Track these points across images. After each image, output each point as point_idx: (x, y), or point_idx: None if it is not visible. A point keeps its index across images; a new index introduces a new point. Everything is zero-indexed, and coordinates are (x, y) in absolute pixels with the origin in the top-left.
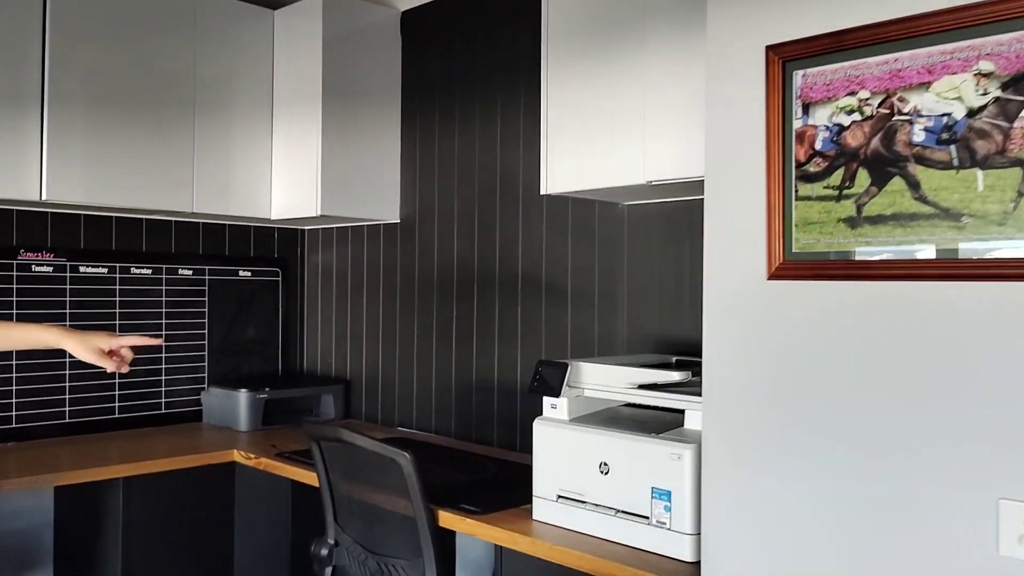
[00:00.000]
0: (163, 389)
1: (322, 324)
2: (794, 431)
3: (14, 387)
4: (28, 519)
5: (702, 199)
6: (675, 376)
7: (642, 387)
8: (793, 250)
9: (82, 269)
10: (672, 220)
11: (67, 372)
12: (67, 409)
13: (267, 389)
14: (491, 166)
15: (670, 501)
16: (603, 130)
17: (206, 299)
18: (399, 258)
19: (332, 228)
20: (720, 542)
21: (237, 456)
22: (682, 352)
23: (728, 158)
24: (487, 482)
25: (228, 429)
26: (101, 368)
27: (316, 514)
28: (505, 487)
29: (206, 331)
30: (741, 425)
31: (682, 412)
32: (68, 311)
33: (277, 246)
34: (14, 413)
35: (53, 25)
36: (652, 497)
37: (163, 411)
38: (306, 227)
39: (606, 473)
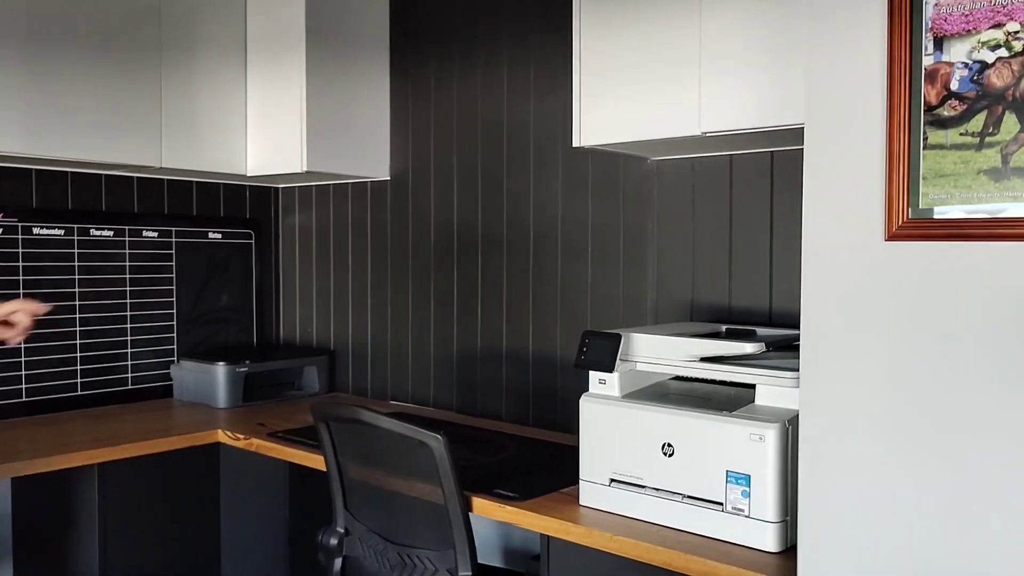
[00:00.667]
0: (129, 363)
1: (301, 291)
2: (911, 409)
3: None
4: None
5: (748, 153)
6: (748, 348)
7: (705, 360)
8: (920, 207)
9: (35, 231)
10: (710, 176)
11: (23, 346)
12: (23, 387)
13: (247, 362)
14: (496, 119)
15: (749, 486)
16: (649, 77)
17: (173, 264)
18: (390, 218)
19: (311, 187)
20: (821, 529)
21: (222, 437)
22: (723, 320)
23: (836, 102)
24: (511, 463)
25: (204, 406)
26: (61, 342)
27: (317, 500)
28: (535, 469)
29: (174, 299)
30: (847, 402)
31: (751, 387)
32: (21, 277)
33: (249, 206)
34: None
35: None
36: (727, 482)
37: (129, 387)
38: (280, 185)
39: (670, 455)
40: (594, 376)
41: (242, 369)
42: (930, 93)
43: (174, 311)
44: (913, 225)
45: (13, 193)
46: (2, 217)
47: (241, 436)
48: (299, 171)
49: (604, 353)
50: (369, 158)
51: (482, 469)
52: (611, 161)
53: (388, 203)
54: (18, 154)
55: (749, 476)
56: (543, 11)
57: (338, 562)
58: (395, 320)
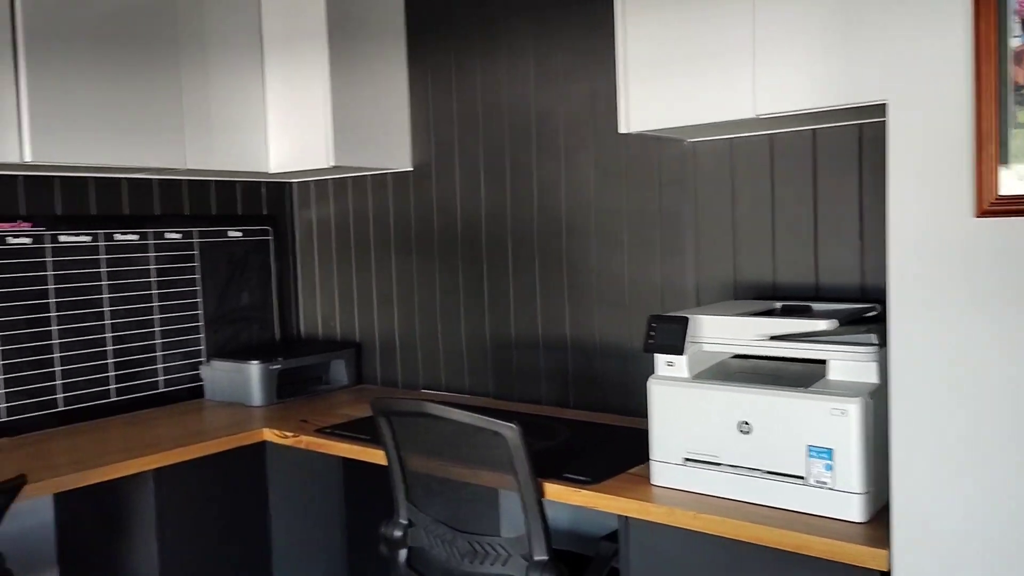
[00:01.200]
0: (160, 366)
1: (321, 285)
2: (1000, 381)
3: (0, 376)
4: (21, 522)
5: (789, 132)
6: (821, 325)
7: (776, 338)
8: (1011, 184)
9: (61, 239)
10: (750, 154)
11: (57, 355)
12: (59, 396)
13: (280, 359)
14: (523, 105)
15: (831, 459)
16: (700, 58)
17: (197, 264)
18: (413, 209)
19: (327, 180)
20: (913, 498)
21: (269, 435)
22: (767, 297)
23: (920, 82)
24: (569, 447)
25: (239, 405)
26: (93, 349)
27: (373, 493)
28: (595, 451)
29: (200, 300)
30: (936, 375)
31: (819, 362)
32: (51, 286)
33: (266, 202)
34: (3, 405)
35: None
36: (809, 456)
37: (161, 390)
38: (296, 180)
39: (747, 432)
40: (661, 358)
41: (275, 366)
42: (1019, 74)
43: (200, 311)
44: (1004, 201)
45: (38, 201)
46: (30, 227)
47: (289, 434)
48: (326, 166)
49: (673, 336)
50: (390, 149)
51: (544, 454)
52: (646, 144)
53: (411, 194)
54: (65, 163)
55: (831, 450)
56: None
57: (403, 553)
58: (423, 310)
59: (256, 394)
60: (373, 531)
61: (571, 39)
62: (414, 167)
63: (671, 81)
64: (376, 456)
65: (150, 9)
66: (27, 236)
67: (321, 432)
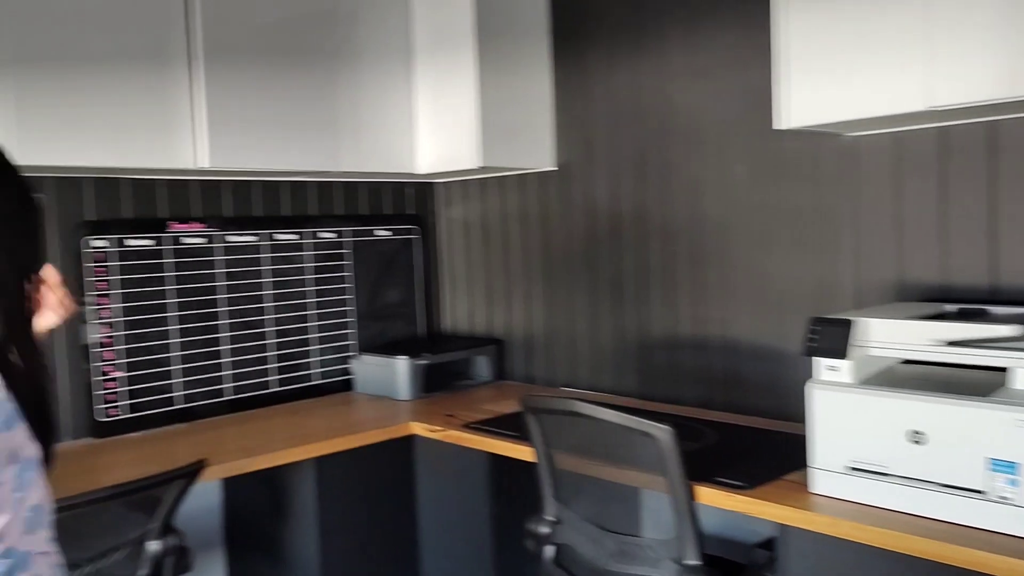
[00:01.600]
0: (315, 359)
1: (465, 282)
2: None
3: (180, 366)
4: (191, 503)
5: (960, 124)
6: (1004, 331)
7: (953, 344)
8: None
9: (229, 238)
10: (916, 149)
11: (226, 348)
12: (228, 386)
13: (425, 354)
14: (669, 102)
15: (1016, 473)
16: (866, 49)
17: (349, 263)
18: (556, 208)
19: (471, 180)
20: None
21: (417, 429)
22: (936, 300)
23: None
24: (719, 449)
25: (387, 399)
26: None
27: (519, 489)
28: (747, 455)
29: (352, 296)
30: None
31: (998, 370)
32: (220, 283)
33: (413, 202)
34: (178, 394)
35: None
36: (990, 469)
37: (315, 382)
38: (441, 180)
39: (919, 442)
40: (822, 362)
41: (422, 362)
42: None
43: (352, 308)
44: None
45: (210, 204)
46: (202, 227)
47: (437, 428)
48: (474, 167)
49: (836, 339)
50: (535, 150)
51: (692, 457)
52: (801, 139)
53: (554, 193)
54: (239, 169)
55: (1016, 464)
56: None
57: (550, 549)
58: (565, 308)
59: (403, 388)
60: (519, 526)
61: (722, 32)
62: (558, 167)
63: (834, 73)
64: (523, 452)
65: (310, 19)
66: (200, 236)
67: (468, 427)
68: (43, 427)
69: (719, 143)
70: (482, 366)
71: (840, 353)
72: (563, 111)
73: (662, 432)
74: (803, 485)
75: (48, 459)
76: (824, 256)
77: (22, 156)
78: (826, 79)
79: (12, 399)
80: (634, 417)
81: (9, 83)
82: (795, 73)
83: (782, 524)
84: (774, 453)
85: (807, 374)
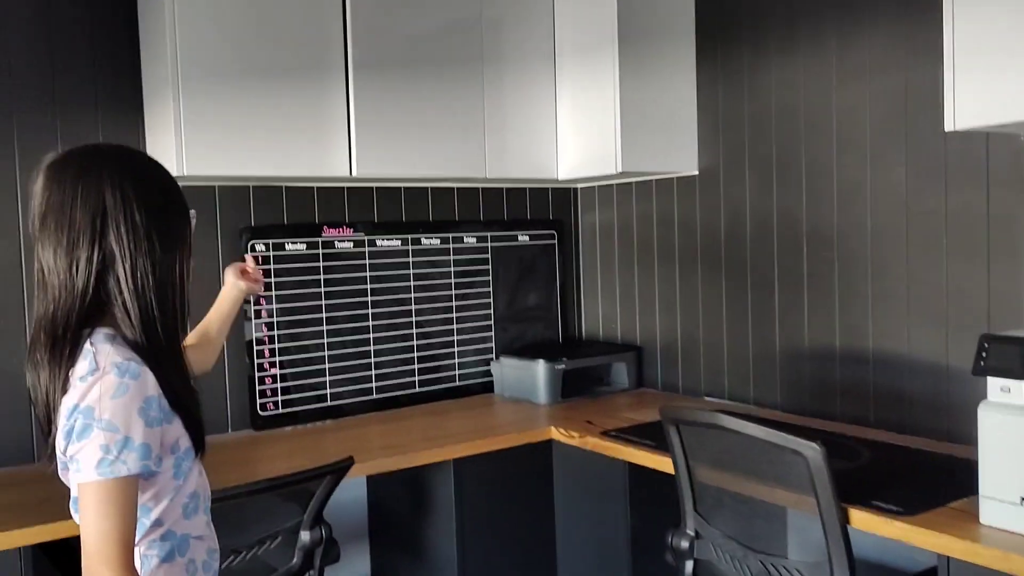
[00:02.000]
0: (456, 361)
1: (603, 287)
2: None
3: (330, 364)
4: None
5: None
6: None
7: None
8: None
9: (378, 243)
10: None
11: (371, 348)
12: (373, 385)
13: (564, 359)
14: (822, 103)
15: None
16: None
17: (490, 267)
18: (699, 213)
19: (611, 184)
20: None
21: (555, 434)
22: None
23: None
24: (874, 470)
25: (525, 402)
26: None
27: (658, 500)
28: (905, 478)
29: (491, 299)
30: None
31: None
32: (368, 286)
33: (552, 207)
34: (328, 391)
35: None
36: None
37: (457, 383)
38: (581, 185)
39: None
40: (994, 383)
41: (560, 366)
42: None
43: (491, 311)
44: None
45: (360, 209)
46: (352, 233)
47: (575, 434)
48: (613, 173)
49: (1011, 358)
50: (676, 153)
51: (844, 477)
52: (970, 141)
53: (697, 197)
54: (386, 177)
55: None
56: None
57: (689, 564)
58: (707, 315)
59: (542, 392)
60: (658, 538)
61: (881, 29)
62: (700, 171)
63: (1011, 70)
64: (663, 463)
65: (458, 29)
66: (350, 241)
67: (607, 435)
68: (192, 421)
69: (877, 146)
70: (621, 372)
71: (1016, 373)
72: (707, 113)
73: (812, 450)
74: (970, 514)
75: (200, 449)
76: (997, 267)
77: (191, 167)
78: (1002, 76)
79: (165, 396)
80: (781, 433)
81: (177, 99)
82: (966, 71)
83: (945, 555)
84: (937, 477)
85: (975, 394)
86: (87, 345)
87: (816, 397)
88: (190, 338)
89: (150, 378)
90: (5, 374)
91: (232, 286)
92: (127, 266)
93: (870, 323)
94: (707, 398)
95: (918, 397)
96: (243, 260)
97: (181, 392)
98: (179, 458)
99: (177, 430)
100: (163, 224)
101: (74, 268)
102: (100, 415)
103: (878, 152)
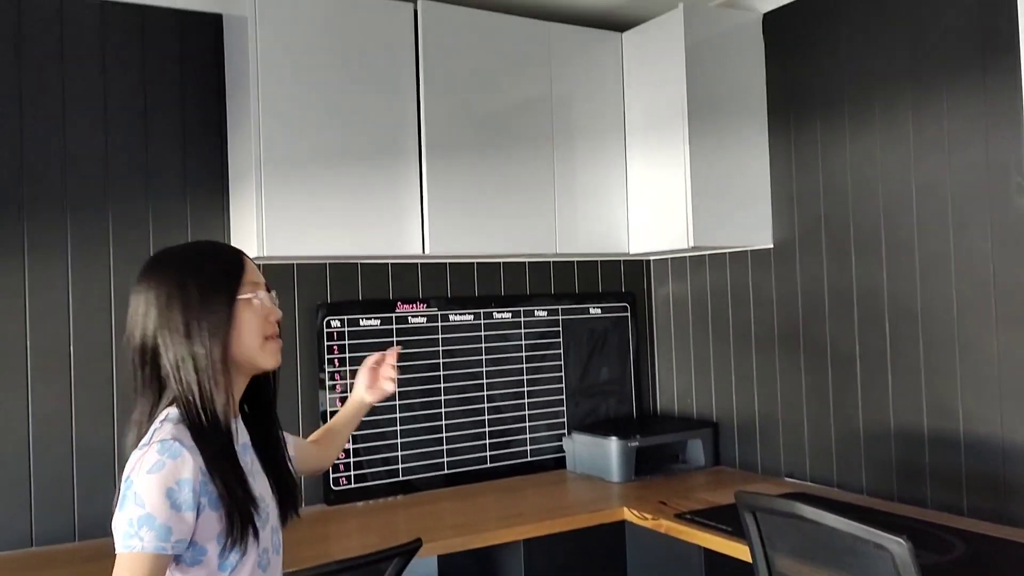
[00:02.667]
0: (527, 436)
1: (677, 361)
2: None
3: (399, 440)
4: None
5: None
6: None
7: None
8: None
9: (451, 318)
10: None
11: (443, 422)
12: (445, 460)
13: (637, 436)
14: (900, 176)
15: None
16: None
17: (561, 340)
18: (774, 286)
19: (684, 257)
20: None
21: (628, 515)
22: None
23: None
24: (969, 565)
25: (598, 479)
26: (473, 418)
27: None
28: (1007, 574)
29: (563, 373)
30: None
31: None
32: (440, 360)
33: (624, 279)
34: (400, 466)
35: (426, 75)
36: None
37: (528, 459)
38: (652, 257)
39: None
40: None
41: (633, 443)
42: None
43: (563, 385)
44: None
45: (433, 285)
46: (425, 308)
47: (648, 516)
48: (685, 247)
49: None
50: (749, 226)
51: (936, 572)
52: None
53: (772, 270)
54: (457, 254)
55: None
56: (952, 55)
57: None
58: (786, 392)
59: (615, 470)
60: None
61: (959, 102)
62: (775, 244)
63: None
64: (740, 551)
65: (528, 108)
66: (423, 316)
67: (681, 518)
68: (236, 513)
69: (960, 219)
70: (696, 450)
71: None
72: (781, 186)
73: (898, 545)
74: None
75: (240, 543)
76: None
77: (270, 248)
78: None
79: (212, 483)
80: (863, 525)
81: (259, 184)
82: None
83: None
84: None
85: None
86: (156, 421)
87: (904, 481)
88: (316, 435)
89: (190, 461)
90: (96, 451)
91: (360, 397)
92: (170, 356)
93: (959, 403)
94: (788, 479)
95: (1016, 484)
96: (375, 351)
97: (228, 482)
98: (224, 549)
99: (222, 521)
100: (199, 318)
101: (135, 358)
102: (135, 488)
103: (961, 225)
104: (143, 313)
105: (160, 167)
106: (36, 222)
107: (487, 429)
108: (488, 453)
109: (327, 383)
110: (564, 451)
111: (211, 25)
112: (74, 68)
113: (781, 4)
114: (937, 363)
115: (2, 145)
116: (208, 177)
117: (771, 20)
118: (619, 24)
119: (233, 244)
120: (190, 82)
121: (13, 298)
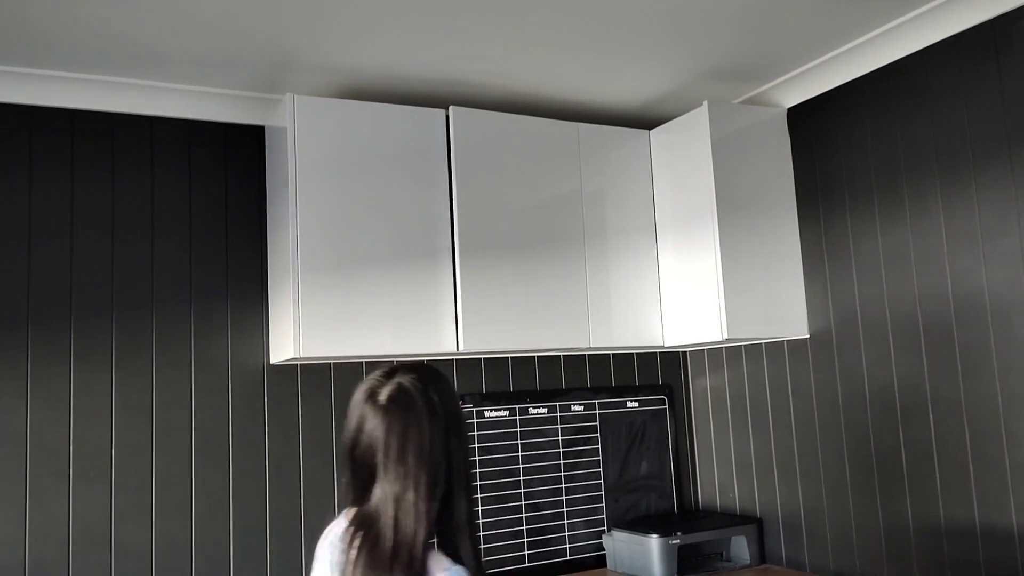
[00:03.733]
0: (566, 534)
1: (717, 455)
2: None
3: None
4: None
5: None
6: None
7: None
8: None
9: (487, 414)
10: None
11: (480, 520)
12: (484, 560)
13: (679, 533)
14: (936, 269)
15: None
16: None
17: (598, 434)
18: (812, 377)
19: (720, 348)
20: None
21: None
22: None
23: None
24: None
25: None
26: (510, 515)
27: None
28: None
29: (601, 468)
30: None
31: None
32: (477, 457)
33: (661, 371)
34: None
35: (458, 177)
36: None
37: (568, 557)
38: (689, 349)
39: None
40: None
41: (675, 541)
42: None
43: (601, 480)
44: None
45: (468, 380)
46: (462, 403)
47: None
48: (719, 339)
49: None
50: (784, 318)
51: None
52: None
53: (810, 362)
54: (491, 351)
55: None
56: (978, 146)
57: None
58: (831, 486)
59: (656, 569)
60: None
61: (988, 191)
62: (811, 334)
63: None
64: None
65: (558, 205)
66: None
67: None
68: None
69: (999, 311)
70: (741, 546)
71: None
72: (813, 278)
73: None
74: None
75: None
76: None
77: (307, 350)
78: None
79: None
80: None
81: (295, 285)
82: None
83: None
84: None
85: None
86: None
87: None
88: None
89: None
90: (134, 553)
91: None
92: None
93: (1011, 496)
94: None
95: None
96: None
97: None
98: None
99: None
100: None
101: None
102: None
103: (1001, 316)
104: None
105: (203, 272)
106: (83, 328)
107: (525, 527)
108: (527, 552)
109: None
110: (604, 548)
111: (254, 136)
112: (123, 181)
113: (804, 99)
114: (985, 456)
115: (53, 257)
116: (248, 280)
117: (796, 114)
118: (646, 123)
119: (271, 345)
120: (233, 190)
121: (59, 403)
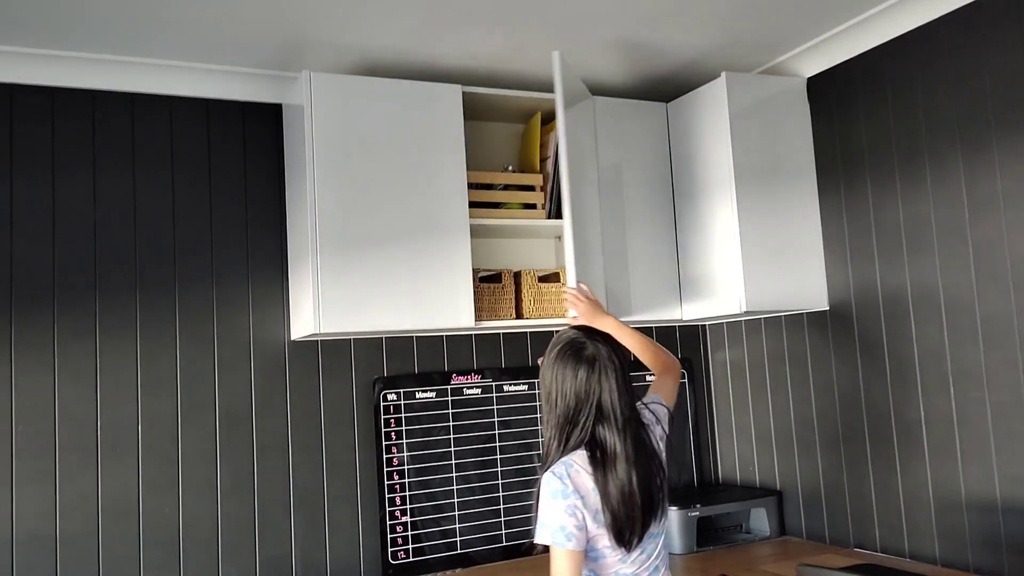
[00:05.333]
0: None
1: (737, 428)
2: None
3: (456, 512)
4: None
5: None
6: None
7: None
8: None
9: (506, 388)
10: None
11: (500, 494)
12: (503, 532)
13: (698, 505)
14: (958, 235)
15: None
16: None
17: None
18: (832, 349)
19: (739, 321)
20: None
21: None
22: None
23: None
24: None
25: None
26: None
27: None
28: None
29: None
30: None
31: None
32: (496, 431)
33: (680, 344)
34: (458, 539)
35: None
36: None
37: None
38: (707, 322)
39: None
40: None
41: (694, 513)
42: None
43: None
44: None
45: (487, 356)
46: (479, 379)
47: None
48: (738, 313)
49: None
50: (803, 289)
51: None
52: None
53: (829, 333)
54: (505, 327)
55: None
56: (1000, 112)
57: None
58: (851, 458)
59: (674, 541)
60: None
61: (1011, 159)
62: (831, 306)
63: None
64: None
65: (576, 179)
66: (478, 387)
67: None
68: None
69: (1020, 277)
70: (761, 519)
71: None
72: (833, 248)
73: None
74: None
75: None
76: None
77: (326, 325)
78: None
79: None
80: None
81: (316, 264)
82: None
83: None
84: None
85: None
86: None
87: (979, 551)
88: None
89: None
90: (161, 526)
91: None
92: None
93: None
94: (857, 549)
95: None
96: None
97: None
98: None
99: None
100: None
101: None
102: None
103: (1022, 284)
104: None
105: (224, 249)
106: (108, 305)
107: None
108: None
109: (384, 456)
110: None
111: (272, 114)
112: (144, 160)
113: (824, 69)
114: (1007, 428)
115: (77, 235)
116: (268, 257)
117: (815, 84)
118: (664, 95)
119: (292, 321)
120: (252, 168)
121: (85, 379)
